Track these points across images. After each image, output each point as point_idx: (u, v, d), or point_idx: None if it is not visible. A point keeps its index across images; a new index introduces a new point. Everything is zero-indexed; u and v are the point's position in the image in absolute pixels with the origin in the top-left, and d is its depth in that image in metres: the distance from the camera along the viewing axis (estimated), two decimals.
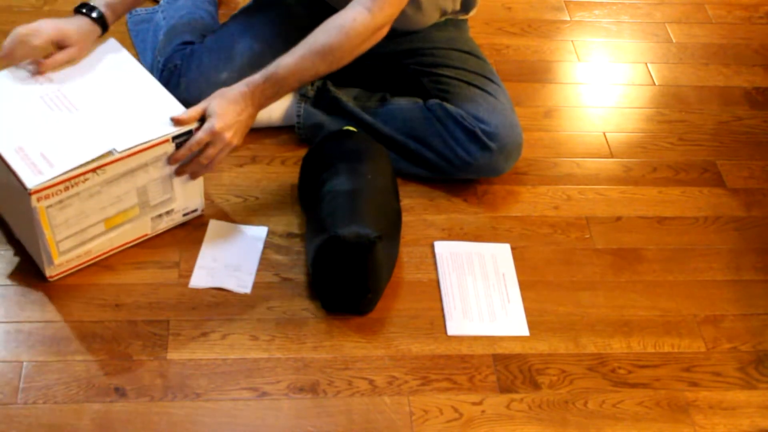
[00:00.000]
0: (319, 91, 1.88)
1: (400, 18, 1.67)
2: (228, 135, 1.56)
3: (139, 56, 2.03)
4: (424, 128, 1.81)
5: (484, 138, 1.78)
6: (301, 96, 1.88)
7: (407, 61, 1.89)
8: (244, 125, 1.59)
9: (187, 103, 1.70)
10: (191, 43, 1.89)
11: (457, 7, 1.90)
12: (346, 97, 1.88)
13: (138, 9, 2.11)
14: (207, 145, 1.56)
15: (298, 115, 1.89)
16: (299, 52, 1.59)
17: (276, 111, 1.90)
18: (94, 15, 1.64)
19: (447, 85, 1.85)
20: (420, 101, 1.85)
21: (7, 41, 1.59)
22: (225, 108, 1.55)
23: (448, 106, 1.81)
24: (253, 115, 1.61)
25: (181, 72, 1.83)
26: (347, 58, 1.61)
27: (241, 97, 1.57)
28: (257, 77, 1.58)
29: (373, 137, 1.79)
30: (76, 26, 1.62)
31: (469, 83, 1.85)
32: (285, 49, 1.67)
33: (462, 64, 1.88)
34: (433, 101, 1.83)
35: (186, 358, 1.53)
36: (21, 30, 1.60)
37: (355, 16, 1.58)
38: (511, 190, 1.88)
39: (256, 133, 1.91)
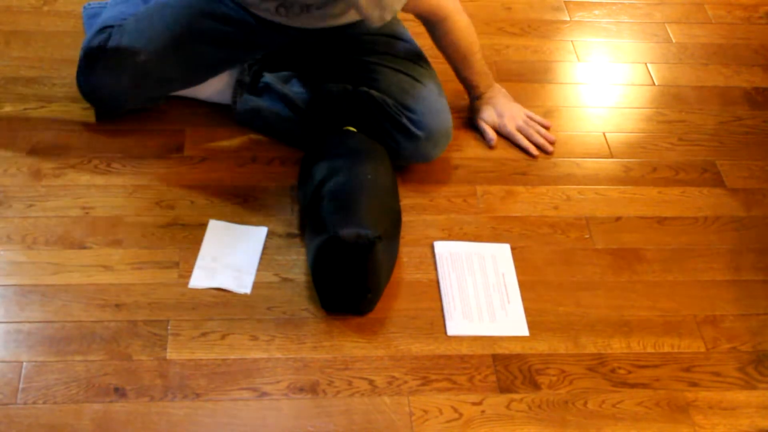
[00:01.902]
0: (255, 77, 1.89)
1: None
2: (514, 121, 1.97)
3: None
4: (353, 116, 1.82)
5: (411, 126, 1.78)
6: (237, 81, 1.89)
7: (337, 48, 1.89)
8: (496, 105, 1.97)
9: (103, 89, 1.80)
10: (111, 27, 1.82)
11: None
12: (280, 83, 1.89)
13: (92, 3, 2.10)
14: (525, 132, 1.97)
15: (234, 101, 1.89)
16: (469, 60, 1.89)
17: (204, 90, 1.91)
18: None
19: (374, 72, 1.85)
20: (350, 88, 1.85)
21: None
22: (487, 112, 1.96)
23: (375, 93, 1.81)
24: (495, 95, 1.98)
25: (97, 57, 1.78)
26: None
27: (486, 97, 1.96)
28: (479, 89, 1.95)
29: (303, 124, 1.84)
30: None
31: (395, 69, 1.84)
32: (206, 31, 1.78)
33: (388, 49, 1.87)
34: (361, 89, 1.83)
35: (186, 358, 1.53)
36: None
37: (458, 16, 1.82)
38: (511, 190, 1.88)
39: (256, 133, 1.91)
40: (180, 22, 1.80)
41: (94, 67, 1.79)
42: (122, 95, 1.82)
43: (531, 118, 2.00)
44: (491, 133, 1.95)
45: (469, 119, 1.99)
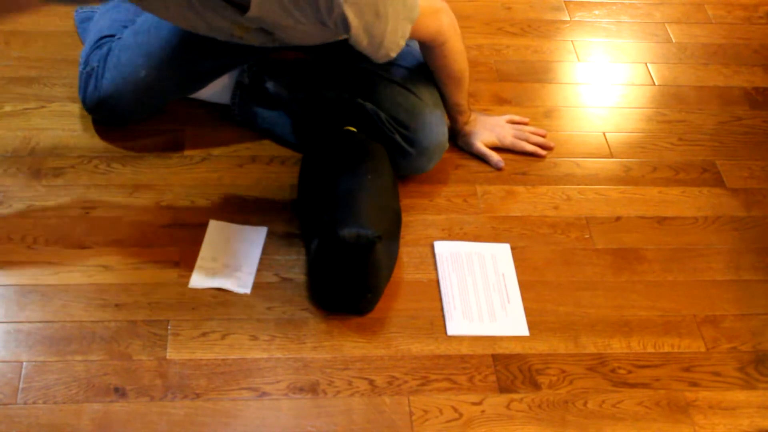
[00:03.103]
0: (254, 79, 1.89)
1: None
2: (506, 131, 1.95)
3: None
4: (347, 123, 1.80)
5: (403, 143, 1.77)
6: (237, 83, 1.89)
7: (335, 54, 1.87)
8: (483, 122, 1.94)
9: (107, 104, 1.79)
10: (111, 36, 1.84)
11: None
12: (279, 86, 1.88)
13: (84, 6, 2.10)
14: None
15: (233, 102, 1.89)
16: (462, 84, 1.83)
17: (204, 91, 1.91)
18: None
19: (369, 82, 1.82)
20: (347, 96, 1.83)
21: None
22: (480, 133, 1.92)
23: (369, 106, 1.79)
24: (475, 116, 1.94)
25: (98, 74, 1.80)
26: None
27: (470, 121, 1.91)
28: (466, 115, 1.89)
29: (301, 127, 1.83)
30: None
31: (390, 80, 1.81)
32: (204, 42, 1.74)
33: None
34: (356, 101, 1.81)
35: (186, 358, 1.53)
36: None
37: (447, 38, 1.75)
38: (511, 190, 1.88)
39: (256, 133, 1.91)
40: (178, 35, 1.79)
41: (96, 85, 1.80)
42: (125, 110, 1.82)
43: (514, 122, 1.99)
44: (496, 156, 1.91)
45: (459, 147, 1.93)
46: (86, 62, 1.83)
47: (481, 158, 1.92)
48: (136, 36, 1.81)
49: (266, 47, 1.83)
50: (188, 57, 1.80)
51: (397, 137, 1.77)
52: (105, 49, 1.82)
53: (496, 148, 1.93)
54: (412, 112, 1.78)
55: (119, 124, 1.87)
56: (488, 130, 1.93)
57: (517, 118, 1.99)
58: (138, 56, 1.78)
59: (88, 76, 1.81)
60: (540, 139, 1.96)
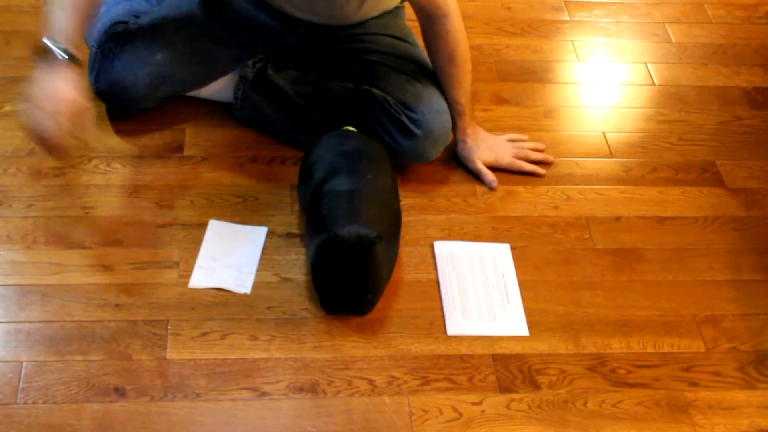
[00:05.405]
0: (259, 74, 1.89)
1: (339, 14, 1.81)
2: (506, 150, 1.91)
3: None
4: (353, 114, 1.82)
5: (410, 125, 1.78)
6: (241, 78, 1.89)
7: (338, 47, 1.90)
8: (485, 139, 1.90)
9: (119, 85, 1.78)
10: (124, 23, 1.83)
11: (397, 2, 1.93)
12: (283, 80, 1.88)
13: None
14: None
15: (236, 97, 1.89)
16: (457, 77, 1.81)
17: (206, 88, 1.91)
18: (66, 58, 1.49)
19: (376, 71, 1.85)
20: (351, 86, 1.85)
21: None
22: (480, 150, 1.88)
23: (376, 92, 1.81)
24: (477, 129, 1.89)
25: (114, 54, 1.79)
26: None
27: (470, 132, 1.87)
28: (466, 119, 1.85)
29: (305, 122, 1.84)
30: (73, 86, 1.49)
31: (397, 69, 1.84)
32: (220, 29, 1.79)
33: (391, 50, 1.88)
34: (362, 87, 1.84)
35: (185, 358, 1.53)
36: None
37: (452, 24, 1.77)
38: (511, 190, 1.88)
39: (256, 133, 1.91)
40: (195, 22, 1.82)
41: (112, 65, 1.79)
42: (137, 93, 1.82)
43: (513, 140, 1.94)
44: (491, 175, 1.87)
45: (457, 160, 1.90)
46: (99, 42, 1.81)
47: (476, 175, 1.88)
48: (153, 20, 1.82)
49: (280, 37, 1.84)
50: (204, 43, 1.82)
51: (404, 119, 1.78)
52: (120, 29, 1.82)
53: (493, 168, 1.90)
54: (419, 97, 1.80)
55: (128, 107, 1.86)
56: (488, 148, 1.89)
57: (515, 136, 1.96)
58: (154, 38, 1.79)
59: (102, 56, 1.80)
60: (539, 156, 1.93)
